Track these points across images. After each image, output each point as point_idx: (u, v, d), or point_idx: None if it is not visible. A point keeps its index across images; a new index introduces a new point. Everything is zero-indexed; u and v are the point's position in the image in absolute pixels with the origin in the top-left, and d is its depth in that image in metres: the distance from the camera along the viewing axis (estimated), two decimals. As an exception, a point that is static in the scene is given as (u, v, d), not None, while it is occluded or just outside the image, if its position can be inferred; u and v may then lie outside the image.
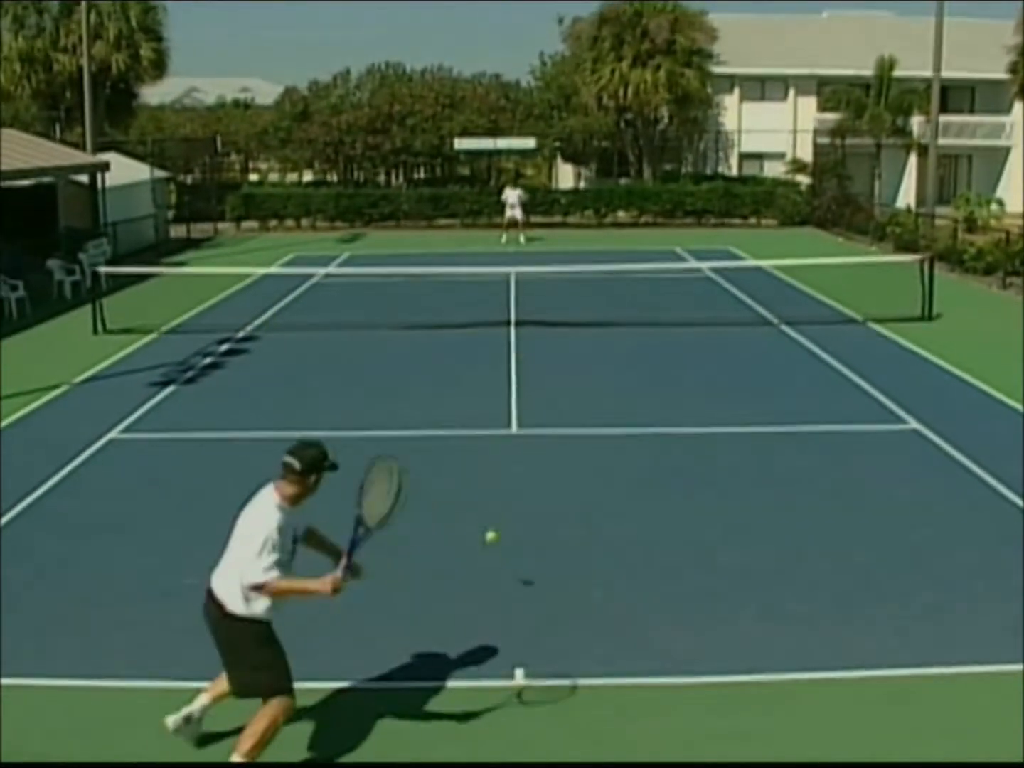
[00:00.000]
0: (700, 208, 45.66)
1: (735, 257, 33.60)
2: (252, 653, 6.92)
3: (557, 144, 52.72)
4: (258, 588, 6.76)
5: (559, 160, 56.31)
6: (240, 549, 6.88)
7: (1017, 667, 8.28)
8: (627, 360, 19.68)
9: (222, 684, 7.28)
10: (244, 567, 6.76)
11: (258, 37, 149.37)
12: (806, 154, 51.17)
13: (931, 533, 11.29)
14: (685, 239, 38.87)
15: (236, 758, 6.90)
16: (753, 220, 45.85)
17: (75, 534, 11.47)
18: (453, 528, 11.47)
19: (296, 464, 6.90)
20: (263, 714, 6.92)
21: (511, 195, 40.21)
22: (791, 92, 54.58)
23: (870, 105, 46.21)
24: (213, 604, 6.95)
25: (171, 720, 7.35)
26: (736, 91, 54.45)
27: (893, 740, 7.48)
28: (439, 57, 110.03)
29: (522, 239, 38.91)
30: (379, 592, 9.86)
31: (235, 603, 6.85)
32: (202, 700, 7.41)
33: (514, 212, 39.71)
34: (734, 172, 53.06)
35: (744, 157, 54.13)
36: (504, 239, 38.99)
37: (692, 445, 14.54)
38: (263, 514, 6.84)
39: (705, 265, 30.25)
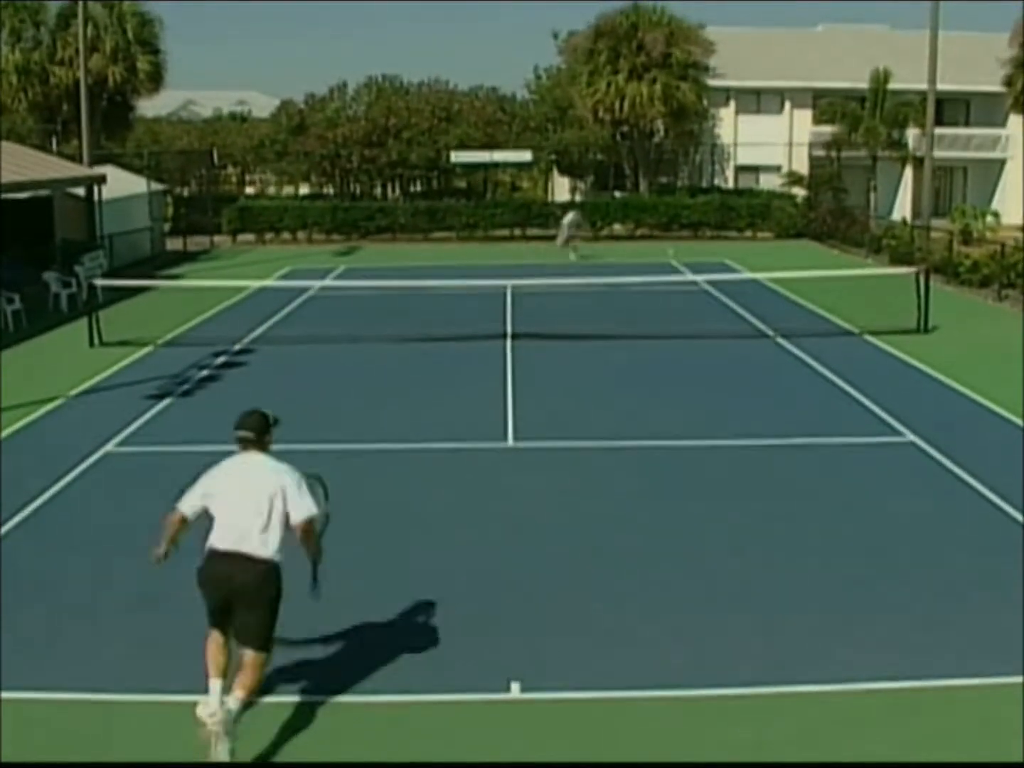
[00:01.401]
0: (696, 221, 45.76)
1: (731, 270, 33.64)
2: (273, 603, 7.64)
3: (553, 157, 52.82)
4: (311, 522, 7.75)
5: (555, 173, 56.41)
6: (265, 504, 7.61)
7: (1016, 679, 8.27)
8: (623, 373, 19.68)
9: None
10: (295, 509, 7.64)
11: (255, 50, 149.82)
12: (802, 167, 51.34)
13: (928, 546, 11.28)
14: (681, 252, 38.89)
15: (240, 693, 7.48)
16: (749, 233, 45.93)
17: (71, 547, 11.44)
18: (449, 540, 11.47)
19: (251, 435, 7.96)
20: (256, 666, 7.60)
21: (570, 216, 39.56)
22: (787, 105, 54.71)
23: (865, 118, 46.28)
24: (248, 562, 7.52)
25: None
26: (732, 104, 54.57)
27: (891, 753, 7.47)
28: (436, 70, 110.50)
29: (572, 256, 38.22)
30: (374, 604, 9.86)
31: (272, 554, 7.58)
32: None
33: (570, 232, 39.02)
34: (730, 185, 53.20)
35: (740, 170, 54.26)
36: (573, 256, 38.06)
37: (688, 458, 14.53)
38: (275, 471, 7.81)
39: (701, 278, 30.27)
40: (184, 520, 7.89)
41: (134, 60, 47.30)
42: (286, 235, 46.45)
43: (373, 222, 46.24)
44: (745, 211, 46.13)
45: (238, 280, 31.19)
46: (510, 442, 15.25)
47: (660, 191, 49.62)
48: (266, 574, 7.59)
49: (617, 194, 50.92)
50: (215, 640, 7.73)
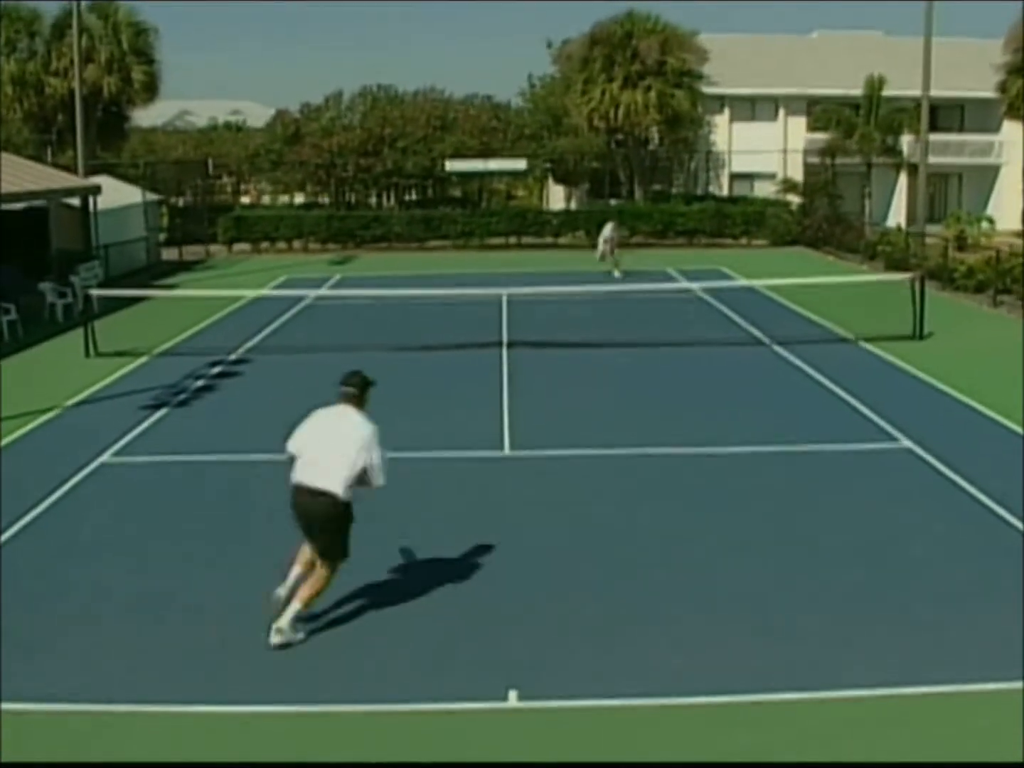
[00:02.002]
0: (691, 228, 45.82)
1: (726, 277, 33.66)
2: (343, 528, 9.28)
3: (548, 165, 52.82)
4: (377, 484, 9.29)
5: (550, 181, 56.41)
6: (346, 452, 9.19)
7: (1015, 685, 8.28)
8: (619, 381, 19.69)
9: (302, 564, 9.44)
10: (371, 469, 9.22)
11: (250, 60, 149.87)
12: (796, 174, 51.38)
13: (925, 551, 11.29)
14: (676, 259, 38.94)
15: (297, 604, 9.19)
16: (744, 240, 45.96)
17: (68, 557, 11.43)
18: (446, 549, 11.47)
19: (354, 391, 9.62)
20: (321, 575, 9.28)
21: (607, 230, 36.47)
22: (781, 112, 54.83)
23: (860, 124, 46.40)
24: (320, 496, 9.12)
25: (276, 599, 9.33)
26: (726, 111, 54.68)
27: (889, 759, 7.47)
28: (430, 79, 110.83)
29: (615, 272, 34.81)
30: (370, 613, 9.86)
31: (340, 491, 9.11)
32: (293, 574, 9.40)
33: (605, 247, 36.02)
34: (725, 192, 53.24)
35: (735, 177, 54.32)
36: (617, 273, 34.68)
37: (685, 465, 14.54)
38: (363, 428, 9.37)
39: (696, 285, 30.29)
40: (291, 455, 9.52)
41: (129, 70, 47.39)
42: (282, 244, 46.47)
43: (369, 231, 46.30)
44: (740, 218, 46.16)
45: (234, 290, 31.22)
46: (507, 450, 15.24)
47: (655, 199, 49.67)
48: (336, 507, 9.14)
49: (612, 202, 50.94)
50: (304, 550, 9.44)
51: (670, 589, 10.43)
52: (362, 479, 9.22)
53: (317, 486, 9.12)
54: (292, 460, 9.44)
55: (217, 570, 10.99)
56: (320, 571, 9.29)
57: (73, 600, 10.32)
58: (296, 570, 9.43)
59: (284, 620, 9.17)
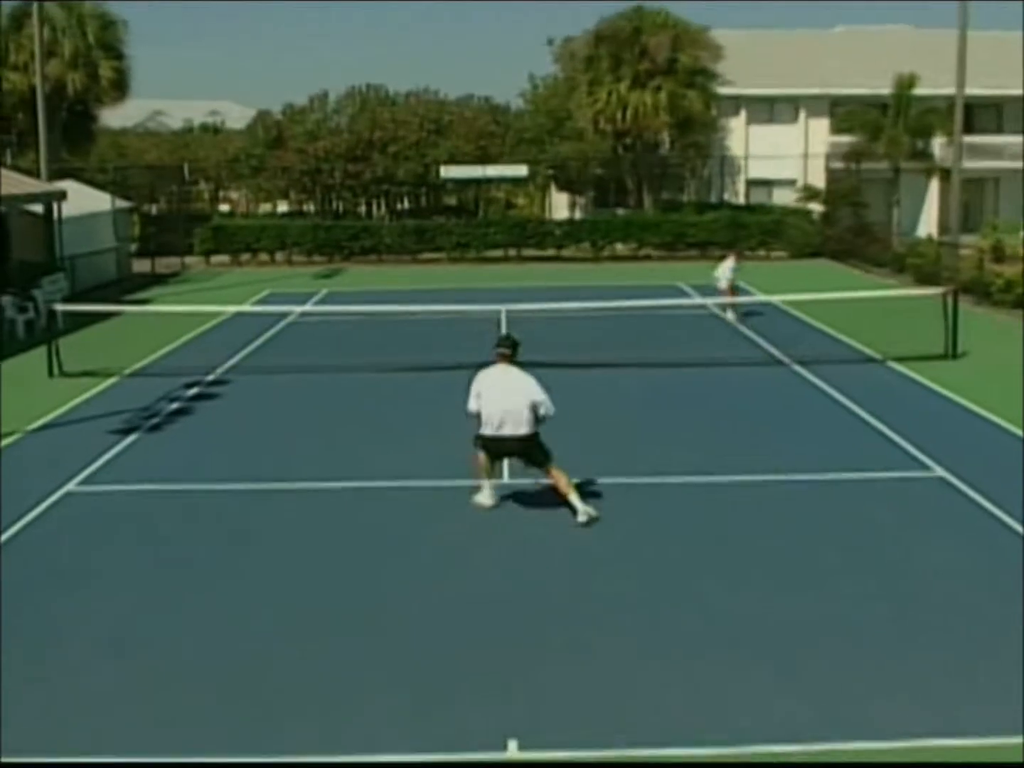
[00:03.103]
0: (704, 240, 45.69)
1: (742, 292, 33.63)
2: (539, 446, 13.38)
3: (550, 171, 52.92)
4: (549, 416, 13.21)
5: (553, 189, 56.57)
6: (523, 400, 13.06)
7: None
8: (626, 403, 19.71)
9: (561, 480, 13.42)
10: (542, 407, 13.12)
11: (228, 56, 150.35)
12: (818, 180, 51.50)
13: (958, 590, 11.26)
14: (688, 273, 38.89)
15: (572, 495, 13.30)
16: (762, 252, 45.90)
17: (30, 592, 11.40)
18: (441, 587, 11.45)
19: (508, 351, 13.41)
20: (555, 476, 13.43)
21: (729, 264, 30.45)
22: (802, 114, 54.97)
23: (887, 126, 46.47)
24: (513, 439, 13.16)
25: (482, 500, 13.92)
26: (742, 113, 54.85)
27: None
28: (424, 79, 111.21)
29: (729, 315, 29.52)
30: (365, 658, 9.84)
31: (530, 429, 13.19)
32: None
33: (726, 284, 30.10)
34: (741, 200, 53.34)
35: (751, 184, 54.45)
36: (731, 316, 29.31)
37: (699, 495, 14.52)
38: (524, 377, 13.24)
39: (710, 301, 30.26)
40: (474, 414, 13.39)
41: (96, 66, 47.36)
42: (263, 256, 46.62)
43: (357, 242, 46.40)
44: (757, 229, 46.18)
45: (212, 305, 31.22)
46: (505, 479, 15.19)
47: (665, 207, 49.75)
48: (527, 440, 13.22)
49: (619, 211, 51.04)
50: (483, 458, 13.53)
51: (682, 629, 10.39)
52: (535, 414, 13.06)
53: (510, 434, 13.09)
54: (476, 415, 13.32)
55: (190, 605, 10.96)
56: (553, 475, 13.38)
57: (35, 638, 10.28)
58: (486, 479, 13.76)
59: (579, 508, 13.12)
